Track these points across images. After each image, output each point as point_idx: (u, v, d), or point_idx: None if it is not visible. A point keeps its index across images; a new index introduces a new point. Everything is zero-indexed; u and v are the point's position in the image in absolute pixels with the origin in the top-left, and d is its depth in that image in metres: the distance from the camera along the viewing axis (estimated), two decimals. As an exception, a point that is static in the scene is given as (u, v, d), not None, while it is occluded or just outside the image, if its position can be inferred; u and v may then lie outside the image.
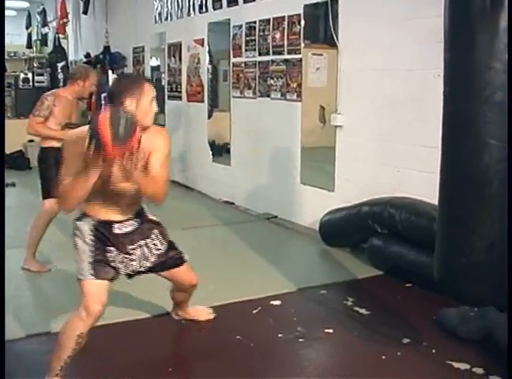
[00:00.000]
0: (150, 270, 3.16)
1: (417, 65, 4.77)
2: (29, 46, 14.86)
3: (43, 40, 14.33)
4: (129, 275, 3.14)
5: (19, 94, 11.25)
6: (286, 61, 6.33)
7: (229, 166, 7.52)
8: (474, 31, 2.61)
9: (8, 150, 10.06)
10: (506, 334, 3.08)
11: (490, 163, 2.59)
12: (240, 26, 7.05)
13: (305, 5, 6.04)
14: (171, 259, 3.20)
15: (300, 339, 3.55)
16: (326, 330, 3.67)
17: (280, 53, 6.41)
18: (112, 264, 2.96)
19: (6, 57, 14.80)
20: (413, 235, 4.44)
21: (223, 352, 3.40)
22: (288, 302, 4.16)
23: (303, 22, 6.08)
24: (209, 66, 8.01)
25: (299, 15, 6.10)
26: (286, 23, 6.27)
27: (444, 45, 2.81)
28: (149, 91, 2.82)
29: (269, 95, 6.66)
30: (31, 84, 11.88)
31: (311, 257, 5.33)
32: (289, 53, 6.29)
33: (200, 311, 3.78)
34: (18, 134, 10.07)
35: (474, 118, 2.63)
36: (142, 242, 3.07)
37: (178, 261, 3.24)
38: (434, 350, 3.38)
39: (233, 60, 7.28)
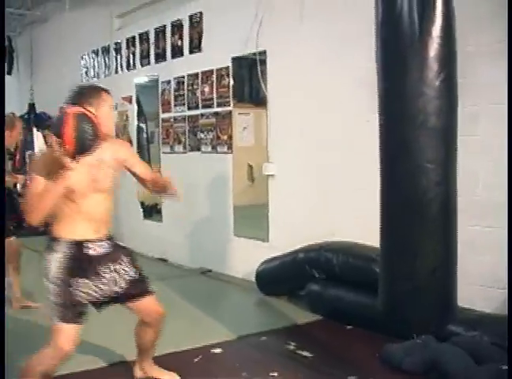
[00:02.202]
0: (117, 298, 3.03)
1: (348, 110, 4.88)
2: None
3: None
4: (97, 305, 3.00)
5: None
6: (216, 114, 6.37)
7: (161, 223, 7.41)
8: (405, 60, 2.70)
9: None
10: (452, 361, 3.09)
11: (428, 186, 2.64)
12: (169, 81, 7.09)
13: (233, 59, 6.12)
14: (139, 288, 3.08)
15: (245, 384, 3.44)
16: (271, 374, 3.57)
17: (210, 106, 6.46)
18: (81, 291, 2.86)
19: None
20: (351, 277, 4.44)
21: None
22: (229, 349, 4.05)
23: (231, 75, 6.16)
24: (143, 125, 7.97)
25: (227, 68, 6.19)
26: (215, 76, 6.34)
27: (377, 76, 2.89)
28: (108, 99, 2.89)
29: (199, 149, 6.67)
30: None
31: (249, 306, 5.24)
32: (219, 105, 6.34)
33: (167, 373, 3.48)
34: None
35: (409, 144, 2.69)
36: (112, 267, 2.96)
37: (145, 292, 3.12)
38: (380, 385, 3.34)
39: (162, 116, 7.28)
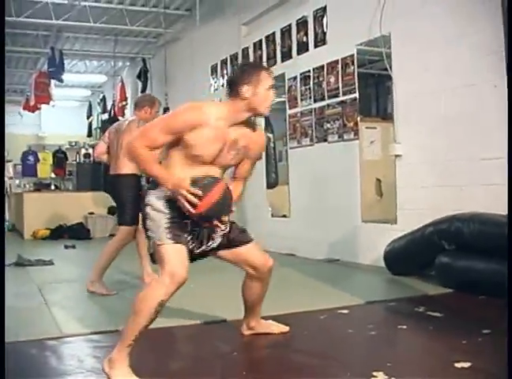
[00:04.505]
0: (218, 248, 3.01)
1: (475, 80, 4.78)
2: (90, 134, 15.34)
3: (103, 127, 14.78)
4: (193, 258, 2.91)
5: (80, 168, 11.58)
6: (342, 102, 6.40)
7: (288, 218, 7.47)
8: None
9: (69, 222, 10.29)
10: None
11: None
12: (295, 78, 7.21)
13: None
14: (236, 236, 3.04)
15: (372, 333, 3.38)
16: (399, 326, 3.50)
17: (336, 96, 6.50)
18: (186, 237, 2.85)
19: (67, 146, 15.41)
20: (483, 244, 4.29)
21: (292, 349, 3.27)
22: (356, 311, 3.99)
23: (355, 61, 6.21)
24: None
25: (352, 55, 6.22)
26: (340, 65, 6.39)
27: None
28: (266, 79, 2.83)
29: (325, 140, 6.70)
30: (91, 159, 12.24)
31: (378, 283, 5.17)
32: (344, 94, 6.37)
33: (274, 325, 3.44)
34: (80, 207, 10.39)
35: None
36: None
37: (244, 239, 3.07)
38: (519, 337, 3.16)
39: (289, 112, 7.39)
